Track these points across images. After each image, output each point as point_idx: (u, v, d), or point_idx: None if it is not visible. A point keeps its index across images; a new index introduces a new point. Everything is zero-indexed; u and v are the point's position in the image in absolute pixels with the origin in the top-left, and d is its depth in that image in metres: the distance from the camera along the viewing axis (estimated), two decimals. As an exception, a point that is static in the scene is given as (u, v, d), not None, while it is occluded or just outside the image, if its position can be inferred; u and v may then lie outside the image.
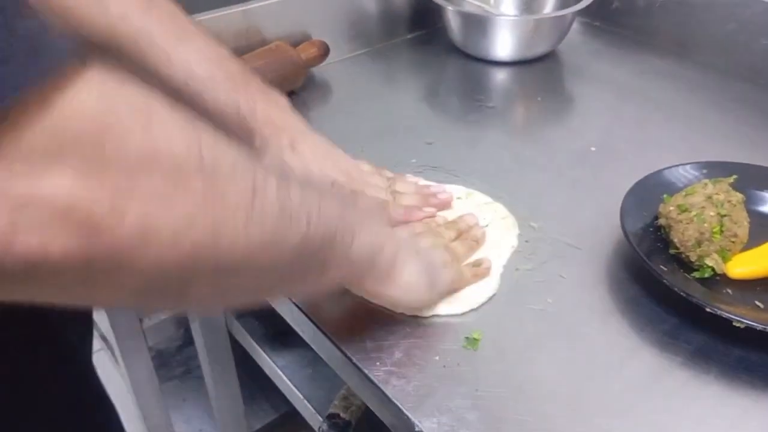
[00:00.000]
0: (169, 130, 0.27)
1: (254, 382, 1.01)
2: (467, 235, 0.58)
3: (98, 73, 0.25)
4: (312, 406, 0.76)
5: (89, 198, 0.23)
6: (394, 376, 0.47)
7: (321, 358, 0.54)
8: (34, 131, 0.22)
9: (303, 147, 0.59)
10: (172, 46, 0.53)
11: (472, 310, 0.53)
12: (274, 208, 0.32)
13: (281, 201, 0.33)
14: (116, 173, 0.24)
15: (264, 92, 0.59)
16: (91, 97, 0.24)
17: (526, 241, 0.60)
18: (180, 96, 0.54)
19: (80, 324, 0.53)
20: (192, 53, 0.54)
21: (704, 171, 0.62)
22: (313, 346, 0.55)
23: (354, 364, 0.48)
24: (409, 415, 0.45)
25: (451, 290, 0.53)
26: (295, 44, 0.84)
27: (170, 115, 0.28)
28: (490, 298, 0.54)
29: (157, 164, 0.26)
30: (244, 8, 0.82)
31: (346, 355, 0.49)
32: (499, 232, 0.60)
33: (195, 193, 0.27)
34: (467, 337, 0.50)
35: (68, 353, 0.50)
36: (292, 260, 0.35)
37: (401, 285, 0.47)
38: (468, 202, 0.63)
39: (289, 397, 0.81)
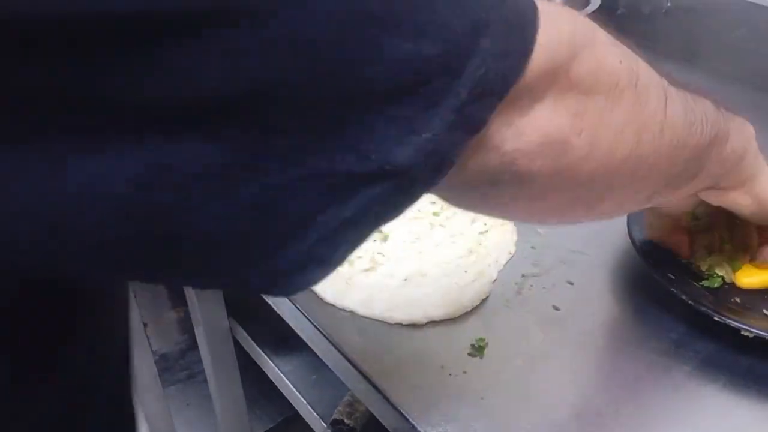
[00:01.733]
0: (606, 48, 0.31)
1: (258, 387, 1.01)
2: None
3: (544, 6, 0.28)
4: (316, 412, 0.76)
5: (560, 124, 0.29)
6: (400, 384, 0.47)
7: (325, 363, 0.54)
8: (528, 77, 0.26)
9: None
10: None
11: (465, 313, 0.53)
12: (680, 113, 0.35)
13: (684, 106, 0.36)
14: (575, 98, 0.29)
15: None
16: (556, 30, 0.27)
17: (533, 248, 0.60)
18: None
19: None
20: None
21: (711, 178, 0.61)
22: (317, 353, 0.55)
23: (359, 372, 0.48)
24: (415, 424, 0.44)
25: None
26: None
27: (600, 31, 0.31)
28: (484, 302, 0.54)
29: (600, 84, 0.30)
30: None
31: (351, 362, 0.49)
32: (497, 238, 0.59)
33: (626, 105, 0.31)
34: (473, 345, 0.50)
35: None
36: (684, 163, 0.38)
37: (753, 195, 0.46)
38: None
39: (293, 402, 0.80)
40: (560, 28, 0.28)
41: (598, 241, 0.60)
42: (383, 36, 0.21)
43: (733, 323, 0.47)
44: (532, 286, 0.56)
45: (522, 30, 0.26)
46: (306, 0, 0.20)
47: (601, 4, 0.90)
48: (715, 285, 0.53)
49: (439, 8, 0.23)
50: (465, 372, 0.48)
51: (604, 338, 0.51)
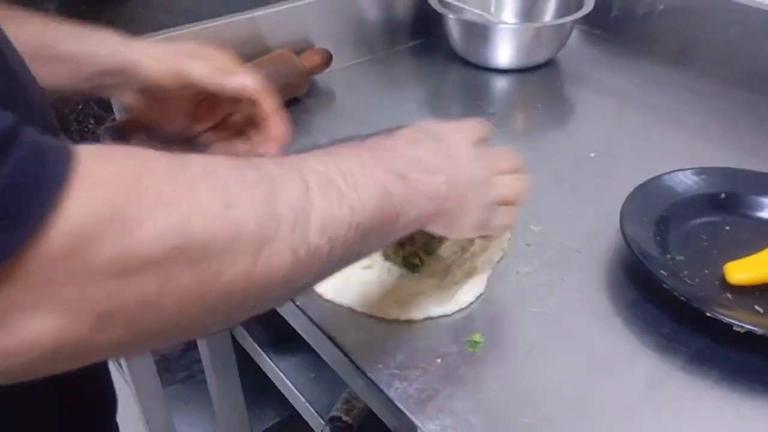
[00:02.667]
0: (160, 221, 0.27)
1: (256, 386, 1.01)
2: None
3: (89, 166, 0.26)
4: (314, 410, 0.76)
5: (77, 328, 0.25)
6: (397, 379, 0.48)
7: (323, 361, 0.55)
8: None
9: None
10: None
11: (460, 309, 0.53)
12: (284, 253, 0.32)
13: (293, 253, 0.32)
14: (103, 290, 0.25)
15: None
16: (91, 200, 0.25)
17: (527, 245, 0.60)
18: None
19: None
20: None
21: (703, 177, 0.63)
22: (316, 349, 0.55)
23: (357, 367, 0.49)
24: (412, 418, 0.45)
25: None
26: (299, 52, 0.85)
27: (158, 194, 0.27)
28: (478, 297, 0.55)
29: (142, 266, 0.26)
30: (249, 16, 0.83)
31: (349, 358, 0.50)
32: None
33: (184, 283, 0.28)
34: (468, 340, 0.51)
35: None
36: (314, 278, 0.36)
37: (457, 231, 0.47)
38: None
39: (291, 400, 0.81)
40: (74, 209, 0.24)
41: (593, 238, 0.61)
42: None
43: (726, 319, 0.48)
44: (526, 283, 0.56)
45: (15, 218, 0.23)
46: None
47: (595, 6, 0.91)
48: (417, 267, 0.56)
49: None
50: (461, 367, 0.49)
51: (597, 334, 0.52)
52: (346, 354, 0.50)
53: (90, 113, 0.84)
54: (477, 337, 0.51)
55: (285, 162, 0.35)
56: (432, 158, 0.43)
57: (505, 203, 0.49)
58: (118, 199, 0.26)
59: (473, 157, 0.46)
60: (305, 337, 0.56)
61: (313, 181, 0.34)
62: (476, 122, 0.49)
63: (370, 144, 0.41)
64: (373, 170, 0.39)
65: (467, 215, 0.46)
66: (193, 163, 0.30)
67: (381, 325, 0.52)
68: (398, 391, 0.47)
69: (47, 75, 0.50)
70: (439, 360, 0.49)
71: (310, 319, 0.53)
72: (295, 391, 0.79)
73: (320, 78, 0.89)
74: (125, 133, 0.69)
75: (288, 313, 0.57)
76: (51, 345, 0.25)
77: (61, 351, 0.25)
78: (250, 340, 0.85)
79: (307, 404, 0.77)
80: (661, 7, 0.94)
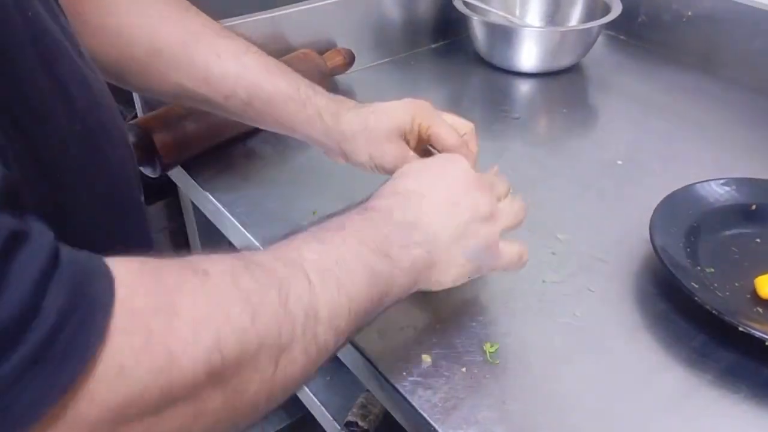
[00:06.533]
0: (186, 339, 0.26)
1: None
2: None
3: (126, 294, 0.25)
4: (329, 413, 0.76)
5: None
6: (421, 387, 0.47)
7: (339, 364, 0.54)
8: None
9: (363, 110, 0.59)
10: (218, 43, 0.55)
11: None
12: (299, 363, 0.32)
13: (305, 353, 0.32)
14: (138, 424, 0.25)
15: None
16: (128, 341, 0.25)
17: (553, 253, 0.59)
18: (235, 89, 0.55)
19: None
20: (240, 46, 0.56)
21: (733, 187, 0.61)
22: (337, 354, 0.55)
23: (380, 374, 0.48)
24: (436, 427, 0.44)
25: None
26: (321, 52, 0.84)
27: (194, 317, 0.27)
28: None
29: (174, 400, 0.26)
30: (272, 15, 0.82)
31: (372, 364, 0.49)
32: None
33: (216, 405, 0.28)
34: (483, 349, 0.50)
35: None
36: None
37: (444, 286, 0.45)
38: None
39: (305, 402, 0.80)
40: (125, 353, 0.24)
41: (620, 248, 0.60)
42: None
43: (758, 334, 0.47)
44: (552, 292, 0.55)
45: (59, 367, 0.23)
46: None
47: (622, 12, 0.90)
48: None
49: None
50: (486, 376, 0.48)
51: (624, 346, 0.51)
52: (369, 360, 0.49)
53: (111, 109, 0.84)
54: (488, 347, 0.50)
55: (283, 256, 0.34)
56: (404, 232, 0.41)
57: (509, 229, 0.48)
58: (157, 330, 0.25)
59: (455, 202, 0.44)
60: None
61: (312, 273, 0.33)
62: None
63: (352, 222, 0.40)
64: (360, 253, 0.38)
65: (449, 271, 0.44)
66: (214, 273, 0.29)
67: (406, 332, 0.52)
68: (422, 400, 0.46)
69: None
70: (464, 369, 0.48)
71: (332, 322, 0.52)
72: (310, 393, 0.78)
73: (342, 78, 0.88)
74: (147, 129, 0.68)
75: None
76: None
77: None
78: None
79: (321, 407, 0.76)
80: (689, 13, 0.93)
